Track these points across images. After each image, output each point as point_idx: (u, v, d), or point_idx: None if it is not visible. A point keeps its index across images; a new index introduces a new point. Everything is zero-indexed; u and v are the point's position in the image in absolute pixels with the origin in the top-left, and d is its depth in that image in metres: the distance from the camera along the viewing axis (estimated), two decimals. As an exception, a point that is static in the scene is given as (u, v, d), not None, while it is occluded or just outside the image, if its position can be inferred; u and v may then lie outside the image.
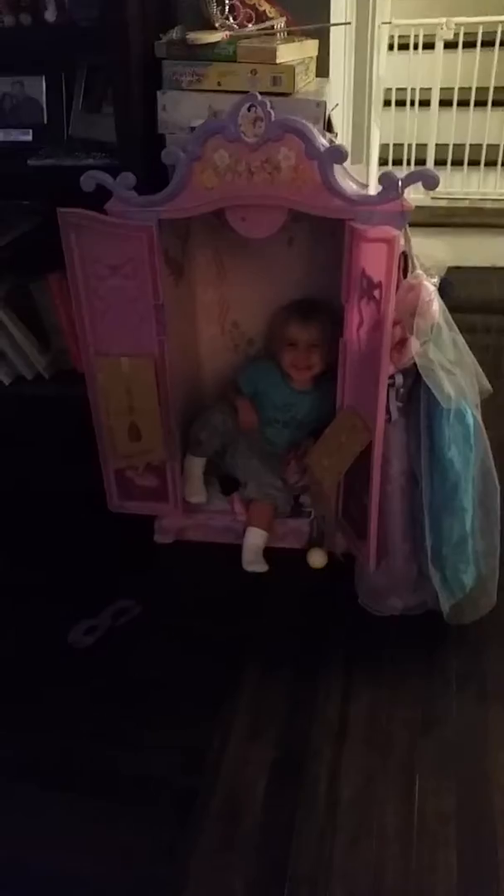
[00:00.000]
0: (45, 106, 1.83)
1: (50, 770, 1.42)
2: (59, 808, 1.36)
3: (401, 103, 3.45)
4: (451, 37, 3.26)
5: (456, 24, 3.23)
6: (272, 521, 1.79)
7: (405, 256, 1.42)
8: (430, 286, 1.40)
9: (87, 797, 1.37)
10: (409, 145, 3.51)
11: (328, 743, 1.43)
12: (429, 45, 3.31)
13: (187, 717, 1.50)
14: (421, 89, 3.41)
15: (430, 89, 3.40)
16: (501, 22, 3.24)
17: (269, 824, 1.30)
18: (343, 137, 2.39)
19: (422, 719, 1.47)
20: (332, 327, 1.65)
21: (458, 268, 3.25)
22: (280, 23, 1.68)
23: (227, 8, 1.62)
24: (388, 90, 3.40)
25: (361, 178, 1.55)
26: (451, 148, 3.49)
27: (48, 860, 1.28)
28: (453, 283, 1.48)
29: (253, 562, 1.76)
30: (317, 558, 1.80)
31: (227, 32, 1.59)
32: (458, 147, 3.49)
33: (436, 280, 1.44)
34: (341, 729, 1.46)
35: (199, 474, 1.86)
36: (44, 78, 1.82)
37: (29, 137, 1.83)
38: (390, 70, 3.36)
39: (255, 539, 1.77)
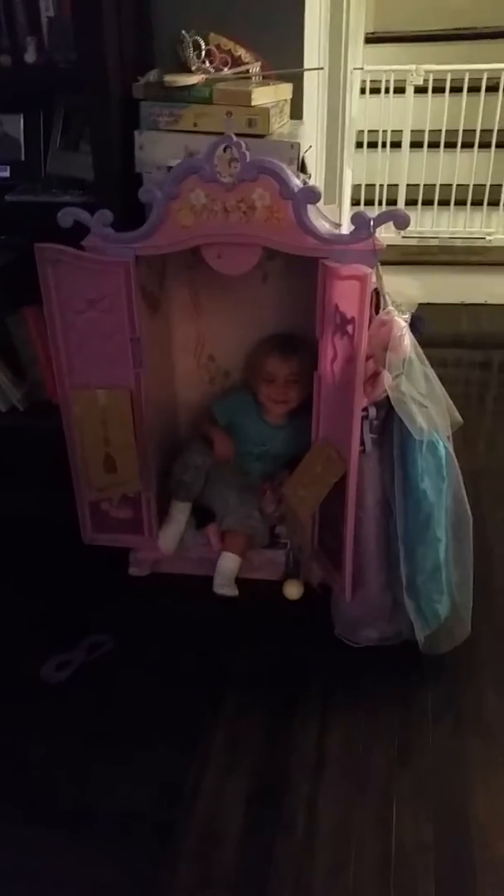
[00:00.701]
0: (22, 143, 1.86)
1: (24, 806, 1.40)
2: (35, 844, 1.33)
3: (373, 145, 3.55)
4: (420, 82, 3.37)
5: (425, 71, 3.34)
6: (246, 549, 1.80)
7: (377, 293, 1.45)
8: (401, 322, 1.44)
9: (64, 833, 1.35)
10: (381, 186, 3.61)
11: (305, 774, 1.43)
12: (400, 90, 3.42)
13: (163, 750, 1.49)
14: (392, 131, 3.51)
15: (401, 131, 3.50)
16: (468, 70, 3.36)
17: (247, 857, 1.29)
18: (316, 178, 2.45)
19: (398, 749, 1.47)
20: (310, 362, 1.67)
21: (429, 304, 3.32)
22: (255, 67, 1.73)
23: (203, 52, 1.67)
24: (361, 132, 3.50)
25: (334, 218, 1.60)
26: (421, 188, 3.59)
27: (21, 900, 1.26)
28: (424, 319, 1.52)
29: (224, 585, 1.75)
30: (293, 589, 1.81)
31: (204, 76, 1.64)
32: (429, 187, 3.59)
33: (407, 316, 1.47)
34: (318, 760, 1.46)
35: (184, 522, 1.84)
36: (22, 116, 1.85)
37: (6, 174, 1.86)
38: (362, 113, 3.47)
39: (228, 563, 1.77)
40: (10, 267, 1.90)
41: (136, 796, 1.40)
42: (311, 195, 1.42)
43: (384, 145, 3.54)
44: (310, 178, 1.68)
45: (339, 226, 1.56)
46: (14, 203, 1.74)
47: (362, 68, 3.35)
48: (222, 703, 1.58)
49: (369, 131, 3.53)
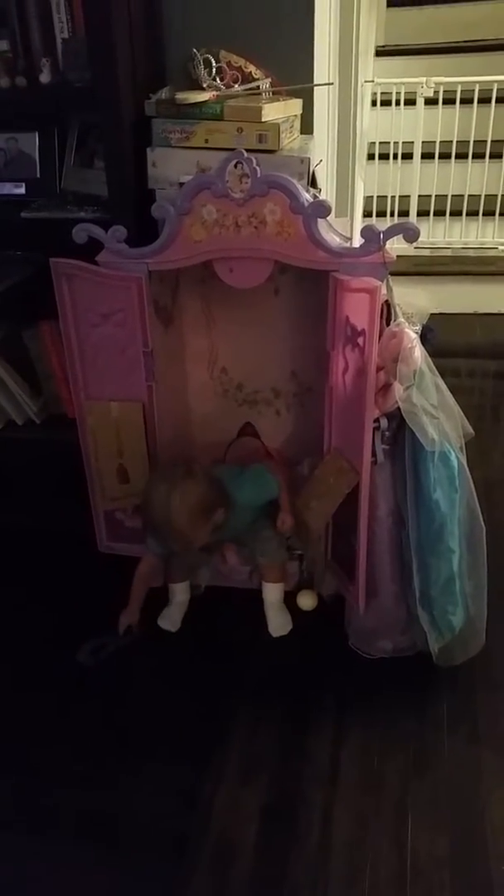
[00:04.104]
0: (38, 161, 1.89)
1: (39, 815, 1.41)
2: (50, 854, 1.34)
3: (384, 157, 3.57)
4: (431, 94, 3.39)
5: (436, 83, 3.36)
6: (285, 572, 1.78)
7: (388, 305, 1.46)
8: (411, 333, 1.45)
9: (79, 843, 1.36)
10: (393, 197, 3.62)
11: (320, 786, 1.43)
12: (410, 102, 3.44)
13: (178, 761, 1.49)
14: (403, 143, 3.53)
15: (412, 143, 3.51)
16: (478, 81, 3.38)
17: (262, 869, 1.29)
18: (327, 192, 2.46)
19: (413, 762, 1.47)
20: (187, 511, 1.51)
21: (442, 314, 3.33)
22: (265, 83, 1.75)
23: (214, 69, 1.69)
24: (372, 144, 3.52)
25: (345, 231, 1.61)
26: (433, 199, 3.60)
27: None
28: (434, 330, 1.53)
29: (279, 625, 1.75)
30: (306, 600, 1.81)
31: (215, 92, 1.66)
32: (441, 198, 3.60)
33: (417, 327, 1.48)
34: (333, 772, 1.46)
35: (186, 601, 1.80)
36: (37, 134, 1.88)
37: (22, 191, 1.89)
38: (374, 125, 3.49)
39: (275, 594, 1.76)
40: (26, 282, 1.93)
41: (150, 807, 1.41)
42: (321, 209, 1.43)
43: (396, 157, 3.56)
44: (320, 192, 1.70)
45: (349, 239, 1.57)
46: (30, 219, 1.77)
47: (373, 81, 3.37)
48: (236, 714, 1.58)
49: (381, 143, 3.55)
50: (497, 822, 1.35)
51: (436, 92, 3.38)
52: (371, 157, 3.54)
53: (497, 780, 1.42)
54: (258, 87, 1.72)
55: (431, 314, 1.57)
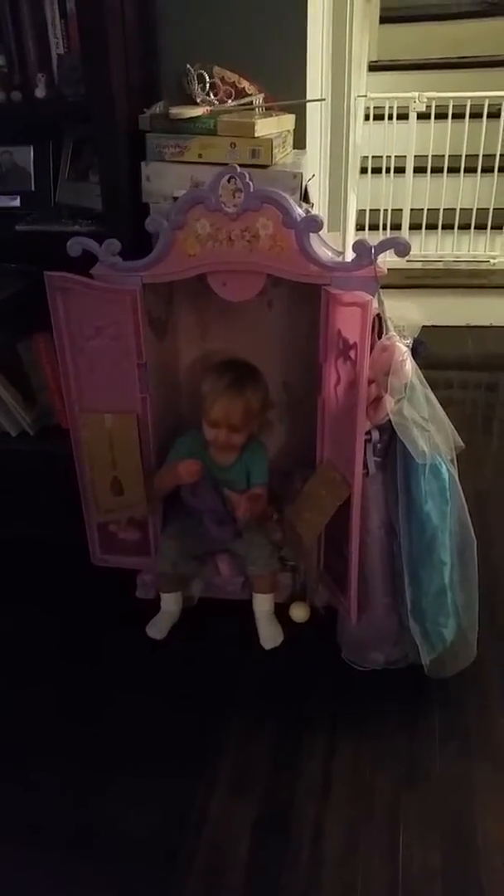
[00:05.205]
0: (33, 174, 1.91)
1: (28, 828, 1.40)
2: (41, 867, 1.33)
3: (377, 170, 3.60)
4: (423, 109, 3.42)
5: (428, 98, 3.40)
6: (275, 582, 1.79)
7: (379, 318, 1.48)
8: (402, 347, 1.46)
9: (68, 857, 1.35)
10: (386, 210, 3.64)
11: (312, 799, 1.43)
12: (403, 116, 3.47)
13: (170, 774, 1.49)
14: (396, 157, 3.55)
15: (404, 157, 3.54)
16: (469, 97, 3.41)
17: (254, 883, 1.29)
18: (320, 206, 2.48)
19: (405, 774, 1.47)
20: (260, 399, 1.67)
21: (435, 326, 3.35)
22: (258, 99, 1.77)
23: (208, 85, 1.71)
24: (365, 158, 3.55)
25: (338, 246, 1.63)
26: (425, 212, 3.63)
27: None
28: (425, 344, 1.54)
29: (269, 637, 1.76)
30: (299, 612, 1.81)
31: (208, 107, 1.68)
32: (433, 211, 3.63)
33: (409, 341, 1.49)
34: (325, 785, 1.45)
35: (178, 611, 1.83)
36: (32, 148, 1.90)
37: (17, 203, 1.90)
38: (366, 139, 3.52)
39: (265, 605, 1.77)
40: (20, 294, 1.94)
41: (141, 821, 1.40)
42: (313, 224, 1.45)
43: (388, 171, 3.58)
44: (312, 206, 1.71)
45: (341, 253, 1.59)
46: (24, 232, 1.78)
47: (366, 96, 3.40)
48: (228, 726, 1.58)
49: (373, 157, 3.57)
50: (489, 834, 1.35)
51: (428, 107, 3.41)
52: (364, 171, 3.56)
53: (489, 792, 1.43)
54: (251, 103, 1.74)
55: (423, 327, 1.58)
